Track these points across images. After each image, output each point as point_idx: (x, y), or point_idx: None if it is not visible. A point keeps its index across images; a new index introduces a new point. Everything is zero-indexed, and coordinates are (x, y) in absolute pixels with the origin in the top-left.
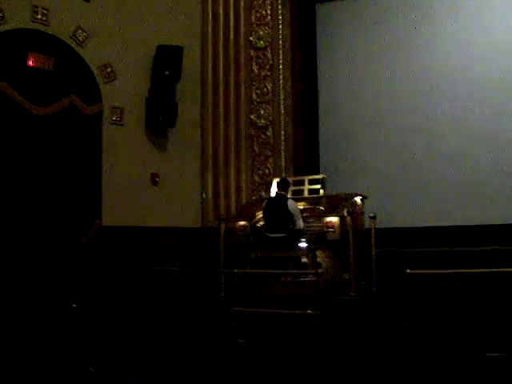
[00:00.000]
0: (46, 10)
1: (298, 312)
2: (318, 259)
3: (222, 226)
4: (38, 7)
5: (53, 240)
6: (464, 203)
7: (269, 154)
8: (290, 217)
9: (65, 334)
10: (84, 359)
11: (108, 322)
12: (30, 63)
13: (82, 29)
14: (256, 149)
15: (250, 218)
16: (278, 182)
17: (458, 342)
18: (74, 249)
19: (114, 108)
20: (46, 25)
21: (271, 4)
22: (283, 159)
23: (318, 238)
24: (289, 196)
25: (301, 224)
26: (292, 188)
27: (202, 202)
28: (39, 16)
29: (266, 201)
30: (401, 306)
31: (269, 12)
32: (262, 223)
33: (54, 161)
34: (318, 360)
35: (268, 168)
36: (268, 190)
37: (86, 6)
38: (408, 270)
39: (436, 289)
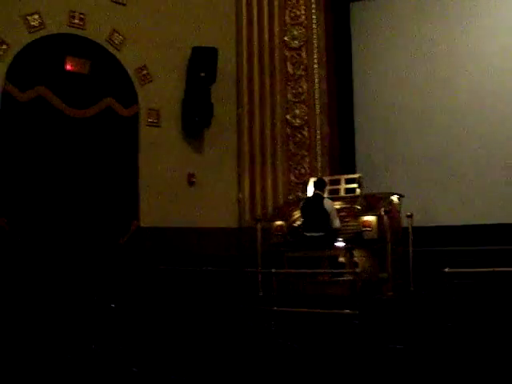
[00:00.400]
0: (82, 14)
1: (336, 312)
2: (355, 258)
3: (259, 226)
4: (74, 12)
5: (92, 241)
6: (503, 201)
7: (305, 153)
8: (326, 216)
9: (104, 333)
10: (126, 359)
11: (147, 322)
12: (68, 67)
13: (117, 32)
14: (292, 148)
15: (287, 217)
16: (314, 182)
17: (497, 341)
18: (113, 249)
19: (150, 110)
20: (82, 29)
21: (305, 4)
22: (319, 158)
23: (355, 238)
24: (325, 195)
25: (337, 223)
26: (328, 187)
27: (238, 202)
28: (76, 20)
29: (303, 201)
30: (439, 305)
31: (303, 12)
32: (298, 223)
33: (92, 162)
34: (357, 359)
35: (304, 168)
36: (305, 190)
37: (121, 9)
38: (446, 269)
39: (475, 288)
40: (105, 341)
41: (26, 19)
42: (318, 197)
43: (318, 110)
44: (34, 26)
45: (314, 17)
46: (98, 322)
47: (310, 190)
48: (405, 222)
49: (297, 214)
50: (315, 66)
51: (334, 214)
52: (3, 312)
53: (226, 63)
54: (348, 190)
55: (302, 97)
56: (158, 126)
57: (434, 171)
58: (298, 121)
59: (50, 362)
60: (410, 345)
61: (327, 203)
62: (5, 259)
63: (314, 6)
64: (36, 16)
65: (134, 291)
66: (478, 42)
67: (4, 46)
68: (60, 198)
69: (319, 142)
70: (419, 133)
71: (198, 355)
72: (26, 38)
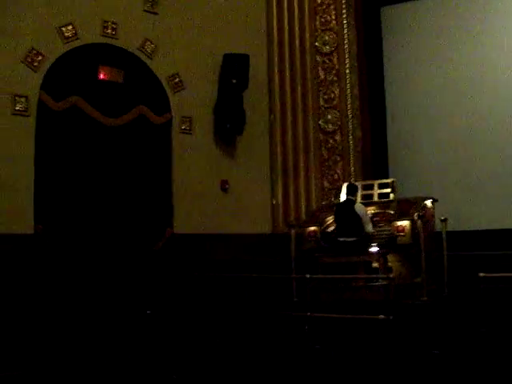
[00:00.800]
0: (115, 24)
1: (371, 317)
2: (389, 263)
3: (293, 231)
4: (107, 22)
5: (126, 248)
6: None
7: (337, 158)
8: (358, 221)
9: (141, 340)
10: (165, 366)
11: (183, 329)
12: (101, 76)
13: (149, 41)
14: (325, 154)
15: (320, 223)
16: (346, 187)
17: None
18: (147, 257)
19: (182, 117)
20: (115, 38)
21: (335, 9)
22: (352, 163)
23: (389, 242)
24: (358, 200)
25: (370, 228)
26: (362, 192)
27: (272, 208)
28: (109, 30)
29: (335, 206)
30: (474, 310)
31: (333, 17)
32: (332, 228)
33: (126, 170)
34: (393, 365)
35: (337, 173)
36: (338, 195)
37: (153, 18)
38: (481, 274)
39: (510, 293)
40: (142, 347)
41: (61, 30)
42: (349, 202)
43: (350, 115)
44: (68, 37)
45: (344, 22)
46: (134, 328)
47: (343, 196)
48: (439, 227)
49: (330, 219)
50: (347, 70)
51: (366, 219)
52: (41, 318)
53: (258, 70)
54: (381, 195)
55: (334, 102)
56: (190, 134)
57: (468, 175)
58: (330, 126)
59: (87, 369)
60: (445, 350)
61: (359, 208)
62: (41, 265)
63: (344, 11)
64: (70, 27)
65: (169, 298)
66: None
67: (39, 58)
68: (95, 205)
69: (352, 147)
70: (453, 136)
71: (234, 361)
72: (61, 49)
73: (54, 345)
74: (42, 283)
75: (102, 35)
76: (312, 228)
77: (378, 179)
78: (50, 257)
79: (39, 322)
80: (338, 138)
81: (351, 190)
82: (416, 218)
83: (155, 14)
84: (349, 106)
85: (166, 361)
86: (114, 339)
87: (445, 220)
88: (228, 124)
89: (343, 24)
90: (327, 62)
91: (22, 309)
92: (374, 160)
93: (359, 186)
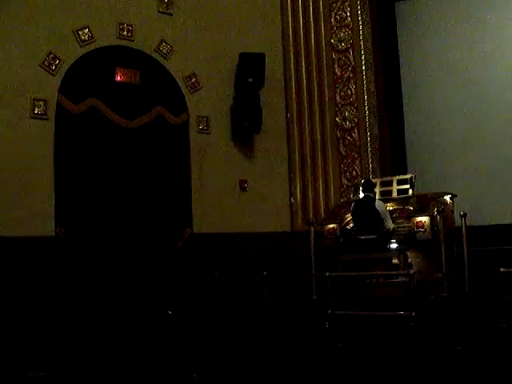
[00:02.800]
0: (130, 26)
1: (391, 314)
2: (409, 260)
3: (312, 229)
4: (123, 24)
5: (147, 249)
6: None
7: (355, 155)
8: (378, 218)
9: (162, 340)
10: (186, 365)
11: (203, 328)
12: (118, 78)
13: (165, 42)
14: (343, 151)
15: (340, 220)
16: (362, 184)
17: None
18: (167, 257)
19: (200, 117)
20: (131, 40)
21: (350, 5)
22: (370, 160)
23: (409, 239)
24: (376, 197)
25: (390, 224)
26: (380, 189)
27: (290, 206)
28: (125, 32)
29: (353, 203)
30: (495, 305)
31: (348, 13)
32: (351, 225)
33: (145, 171)
34: (415, 362)
35: (356, 170)
36: (356, 192)
37: (168, 19)
38: (502, 269)
39: None
40: (164, 347)
41: (77, 34)
42: (368, 199)
43: (367, 112)
44: (85, 40)
45: (359, 18)
46: (155, 328)
47: (362, 192)
48: (458, 222)
49: (349, 216)
50: (363, 67)
51: (386, 216)
52: (62, 320)
53: (274, 68)
54: (400, 191)
55: (351, 99)
56: (208, 133)
57: (488, 169)
58: (347, 123)
59: (110, 369)
60: (469, 346)
61: (379, 205)
62: (62, 267)
63: (359, 7)
64: (86, 30)
65: (190, 297)
66: None
67: (57, 61)
68: (115, 207)
69: (369, 144)
70: (472, 131)
71: (255, 359)
72: (78, 52)
73: (76, 345)
74: (63, 285)
75: (118, 37)
76: (331, 225)
77: (396, 175)
78: (72, 259)
79: (60, 323)
80: (355, 134)
81: (368, 187)
82: (435, 213)
83: (170, 15)
84: (366, 102)
85: (186, 360)
86: (135, 339)
87: (464, 215)
88: (245, 123)
89: (358, 20)
90: (343, 58)
91: (44, 310)
92: (393, 156)
93: (378, 183)
